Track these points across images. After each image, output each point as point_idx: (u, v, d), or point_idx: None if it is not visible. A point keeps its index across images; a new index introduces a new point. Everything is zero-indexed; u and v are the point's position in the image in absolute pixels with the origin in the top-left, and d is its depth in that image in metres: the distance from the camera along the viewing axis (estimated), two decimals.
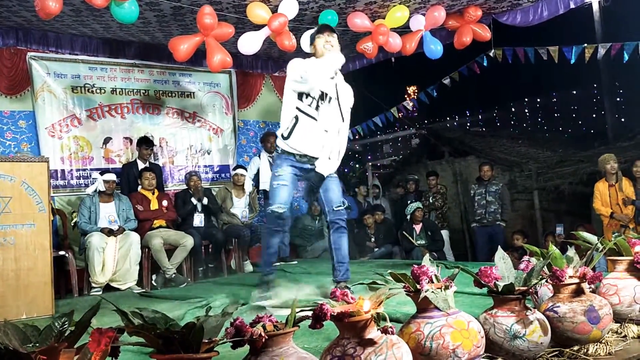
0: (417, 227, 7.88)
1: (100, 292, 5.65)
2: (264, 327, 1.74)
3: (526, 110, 13.63)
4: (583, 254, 2.76)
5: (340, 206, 4.15)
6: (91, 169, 6.87)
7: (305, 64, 4.02)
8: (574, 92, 12.78)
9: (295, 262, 7.24)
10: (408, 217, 8.06)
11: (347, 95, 4.26)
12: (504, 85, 14.11)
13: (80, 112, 6.93)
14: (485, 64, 7.50)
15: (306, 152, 4.07)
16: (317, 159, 4.08)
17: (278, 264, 7.03)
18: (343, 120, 4.19)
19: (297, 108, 4.04)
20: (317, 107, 4.04)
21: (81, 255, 5.91)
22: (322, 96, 4.06)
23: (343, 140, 4.24)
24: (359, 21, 6.23)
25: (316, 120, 4.04)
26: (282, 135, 4.10)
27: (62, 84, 6.82)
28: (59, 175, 6.67)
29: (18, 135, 6.51)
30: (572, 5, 6.31)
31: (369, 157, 16.55)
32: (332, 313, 1.85)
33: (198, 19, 5.52)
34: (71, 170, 6.81)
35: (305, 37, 4.33)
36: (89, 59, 7.01)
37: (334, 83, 4.12)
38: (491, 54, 7.28)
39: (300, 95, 4.05)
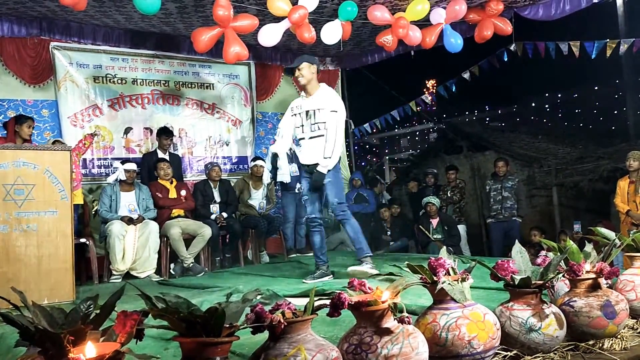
0: (434, 222, 7.87)
1: (120, 280, 5.74)
2: (283, 313, 1.77)
3: (546, 106, 13.47)
4: (600, 250, 2.76)
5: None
6: (112, 159, 6.97)
7: None
8: (596, 87, 12.60)
9: (312, 253, 7.28)
10: (423, 211, 8.06)
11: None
12: (524, 80, 13.97)
13: (102, 102, 7.02)
14: (505, 58, 7.46)
15: None
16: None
17: (294, 255, 7.11)
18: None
19: None
20: None
21: (102, 243, 6.01)
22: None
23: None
24: (379, 14, 6.22)
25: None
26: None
27: (84, 74, 6.91)
28: (80, 164, 6.76)
29: (41, 124, 6.61)
30: (595, 0, 6.25)
31: (387, 151, 16.53)
32: (350, 302, 1.88)
33: (213, 11, 5.56)
34: (92, 159, 6.92)
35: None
36: (110, 50, 7.10)
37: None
38: (512, 49, 7.23)
39: None
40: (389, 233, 8.39)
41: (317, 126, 4.72)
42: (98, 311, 1.75)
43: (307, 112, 4.77)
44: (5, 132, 5.76)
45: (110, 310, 1.74)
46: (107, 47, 7.06)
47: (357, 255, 4.90)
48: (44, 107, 6.67)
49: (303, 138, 4.83)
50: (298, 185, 7.43)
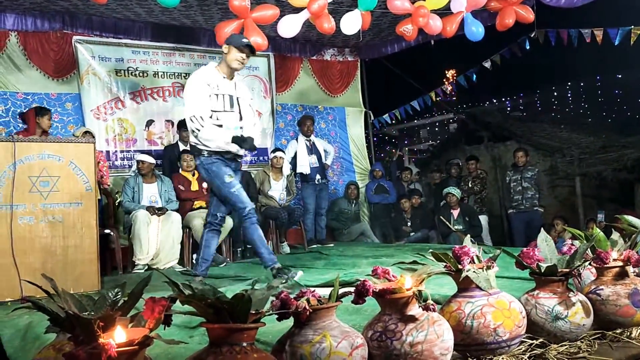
0: (455, 212, 7.82)
1: (144, 271, 5.80)
2: (308, 301, 1.78)
3: (569, 95, 13.26)
4: (627, 239, 2.72)
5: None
6: (134, 151, 7.04)
7: None
8: (619, 75, 12.37)
9: (332, 244, 7.31)
10: (444, 201, 8.01)
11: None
12: (546, 68, 13.79)
13: (124, 95, 7.08)
14: (527, 46, 7.36)
15: None
16: None
17: (314, 246, 7.13)
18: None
19: None
20: None
21: (125, 233, 6.08)
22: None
23: None
24: (399, 3, 6.16)
25: None
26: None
27: (106, 67, 6.98)
28: (103, 156, 6.85)
29: (65, 117, 6.70)
30: None
31: (406, 142, 16.43)
32: (375, 289, 1.88)
33: (229, 2, 5.56)
34: (115, 151, 7.00)
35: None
36: (132, 43, 7.15)
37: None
38: (533, 36, 7.13)
39: None
40: (409, 224, 8.36)
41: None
42: (126, 298, 1.77)
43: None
44: (26, 125, 5.82)
45: (138, 297, 1.76)
46: (128, 41, 7.12)
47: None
48: (68, 101, 6.76)
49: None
50: (317, 177, 7.45)
